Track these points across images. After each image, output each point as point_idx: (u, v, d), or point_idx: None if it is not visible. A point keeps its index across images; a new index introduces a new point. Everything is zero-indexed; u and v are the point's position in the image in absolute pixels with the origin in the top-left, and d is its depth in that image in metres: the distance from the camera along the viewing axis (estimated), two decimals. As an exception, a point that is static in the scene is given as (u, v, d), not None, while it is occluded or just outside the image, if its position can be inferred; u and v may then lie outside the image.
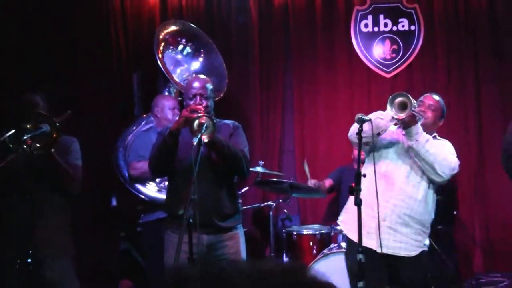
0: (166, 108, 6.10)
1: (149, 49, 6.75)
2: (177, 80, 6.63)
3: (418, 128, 4.51)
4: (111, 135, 6.78)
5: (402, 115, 4.40)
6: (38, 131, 4.15)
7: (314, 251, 6.41)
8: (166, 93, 6.70)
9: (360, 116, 4.41)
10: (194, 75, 6.03)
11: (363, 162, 4.86)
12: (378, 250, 4.54)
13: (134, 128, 6.58)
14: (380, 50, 7.66)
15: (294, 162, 7.76)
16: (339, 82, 7.73)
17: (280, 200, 6.87)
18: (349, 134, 4.76)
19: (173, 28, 6.93)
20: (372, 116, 4.49)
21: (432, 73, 7.60)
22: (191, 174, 4.04)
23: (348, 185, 4.39)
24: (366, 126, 4.41)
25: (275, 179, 6.77)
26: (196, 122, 4.30)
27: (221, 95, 6.76)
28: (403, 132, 4.63)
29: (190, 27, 7.06)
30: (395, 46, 7.61)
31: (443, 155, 4.60)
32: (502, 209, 7.26)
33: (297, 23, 7.81)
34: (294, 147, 7.79)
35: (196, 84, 4.70)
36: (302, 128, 7.76)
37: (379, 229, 4.49)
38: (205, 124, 4.25)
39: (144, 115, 6.67)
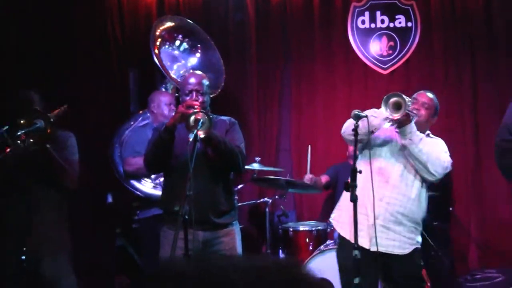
0: (163, 104, 6.10)
1: (145, 45, 6.74)
2: (174, 76, 6.62)
3: (412, 127, 4.50)
4: (107, 131, 6.77)
5: (397, 116, 4.39)
6: (33, 127, 4.15)
7: (311, 248, 6.42)
8: (163, 89, 6.69)
9: (357, 112, 4.41)
10: (190, 71, 6.04)
11: (360, 172, 4.84)
12: (372, 249, 4.54)
13: (131, 124, 6.57)
14: (377, 47, 7.65)
15: (290, 160, 7.76)
16: (336, 79, 7.73)
17: (276, 197, 6.87)
18: (342, 131, 4.76)
19: (169, 24, 6.92)
20: (362, 121, 4.46)
21: (429, 70, 7.60)
22: (187, 170, 4.04)
23: (344, 182, 4.38)
24: (359, 124, 4.41)
25: (271, 177, 6.77)
26: (192, 118, 4.29)
27: (218, 92, 6.75)
28: (397, 130, 4.62)
29: (186, 23, 7.05)
30: (392, 43, 7.61)
31: (436, 154, 4.59)
32: (498, 206, 7.26)
33: (294, 19, 7.80)
34: (291, 145, 7.79)
35: (192, 80, 4.69)
36: (299, 126, 7.76)
37: (374, 228, 4.49)
38: (201, 120, 4.24)
39: (141, 111, 6.66)
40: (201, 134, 4.22)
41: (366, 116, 4.40)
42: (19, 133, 4.08)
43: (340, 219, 4.79)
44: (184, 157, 4.27)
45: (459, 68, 7.51)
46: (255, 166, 6.69)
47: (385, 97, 4.42)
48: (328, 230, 6.51)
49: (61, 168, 4.50)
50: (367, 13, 7.67)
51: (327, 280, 5.69)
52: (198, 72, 5.04)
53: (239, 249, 4.80)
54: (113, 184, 6.63)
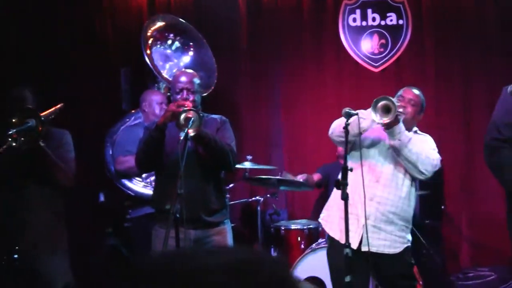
0: (154, 102, 6.09)
1: (137, 44, 6.72)
2: (166, 76, 6.61)
3: (400, 127, 4.46)
4: (99, 130, 6.75)
5: (387, 120, 4.36)
6: (24, 126, 4.13)
7: (302, 246, 6.41)
8: (156, 89, 6.68)
9: (348, 110, 4.39)
10: (182, 70, 6.03)
11: (351, 170, 4.82)
12: (363, 249, 4.53)
13: (123, 123, 6.56)
14: (368, 45, 7.65)
15: (282, 158, 7.76)
16: (327, 77, 7.73)
17: (268, 195, 6.87)
18: (329, 132, 4.73)
19: (160, 23, 6.91)
20: (352, 119, 4.41)
21: (420, 67, 7.61)
22: (178, 169, 4.04)
23: (335, 180, 4.37)
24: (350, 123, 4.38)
25: (263, 176, 6.75)
26: (182, 116, 4.29)
27: (211, 90, 6.75)
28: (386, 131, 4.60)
29: (178, 21, 7.04)
30: (383, 41, 7.61)
31: (426, 153, 4.58)
32: (489, 204, 7.25)
33: (285, 17, 7.80)
34: (282, 142, 7.78)
35: (183, 79, 4.69)
36: (290, 123, 7.76)
37: (366, 228, 4.49)
38: (192, 118, 4.24)
39: (133, 111, 6.65)
40: (191, 132, 4.22)
41: (357, 114, 4.39)
42: (10, 132, 4.06)
43: (329, 219, 4.79)
44: (175, 155, 4.27)
45: (451, 66, 7.52)
46: (247, 164, 6.68)
47: (373, 101, 4.38)
48: (320, 228, 6.48)
49: (56, 166, 4.49)
50: (358, 11, 7.67)
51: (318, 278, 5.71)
52: (189, 70, 5.05)
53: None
54: (105, 183, 6.62)
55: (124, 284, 1.28)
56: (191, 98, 4.57)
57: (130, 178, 6.11)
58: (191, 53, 7.01)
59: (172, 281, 1.19)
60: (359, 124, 4.40)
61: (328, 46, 7.76)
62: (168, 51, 6.95)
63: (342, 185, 4.18)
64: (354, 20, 7.68)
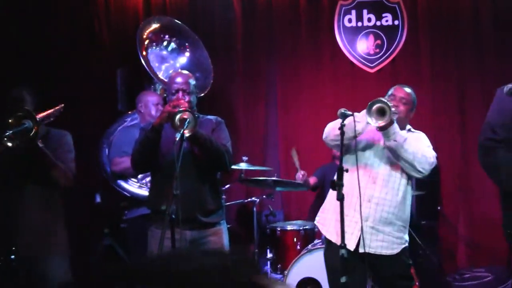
0: (150, 103, 6.09)
1: (133, 45, 6.72)
2: (162, 78, 6.62)
3: (394, 128, 4.44)
4: (95, 131, 6.75)
5: (383, 122, 4.34)
6: (21, 127, 4.12)
7: (298, 247, 6.42)
8: (152, 90, 6.68)
9: (343, 111, 4.37)
10: (178, 71, 6.04)
11: (347, 171, 4.82)
12: (360, 250, 4.52)
13: (119, 124, 6.56)
14: (364, 45, 7.67)
15: (278, 158, 7.76)
16: (323, 77, 7.74)
17: (264, 196, 6.88)
18: (324, 136, 4.71)
19: (155, 25, 6.90)
20: (348, 120, 4.40)
21: (416, 68, 7.62)
22: (173, 170, 4.03)
23: (330, 181, 4.36)
24: (337, 131, 4.37)
25: (259, 178, 6.75)
26: (178, 117, 4.28)
27: (206, 91, 6.76)
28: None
29: (173, 22, 7.04)
30: (378, 41, 7.62)
31: (422, 151, 4.56)
32: (486, 204, 7.26)
33: (280, 18, 7.81)
34: (278, 143, 7.79)
35: (178, 80, 4.68)
36: (286, 124, 7.77)
37: (362, 230, 4.48)
38: (188, 119, 4.23)
39: (130, 112, 6.65)
40: (187, 133, 4.21)
41: (352, 114, 4.38)
42: (7, 133, 4.06)
43: (325, 221, 4.77)
44: (171, 156, 4.27)
45: (446, 66, 7.54)
46: (243, 165, 6.69)
47: (368, 105, 4.36)
48: (316, 229, 6.49)
49: (55, 167, 4.47)
50: (353, 12, 7.69)
51: None
52: (185, 71, 5.04)
53: (226, 248, 4.78)
54: (101, 184, 6.61)
55: (120, 284, 1.28)
56: (186, 99, 4.57)
57: (126, 179, 6.11)
58: (187, 53, 7.02)
59: (168, 281, 1.19)
60: (354, 127, 4.39)
61: (323, 47, 7.77)
62: (164, 52, 6.95)
63: (337, 185, 4.17)
64: (350, 20, 7.69)
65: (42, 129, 4.50)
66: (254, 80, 7.85)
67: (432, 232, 7.39)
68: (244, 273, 1.21)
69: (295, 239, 6.50)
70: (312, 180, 7.03)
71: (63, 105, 4.68)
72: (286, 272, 6.03)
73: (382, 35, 7.62)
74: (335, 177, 4.23)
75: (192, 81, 4.73)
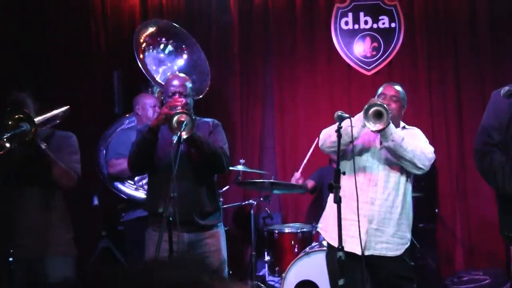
0: (147, 106, 6.09)
1: (129, 47, 6.71)
2: (159, 80, 6.61)
3: (391, 128, 4.42)
4: (92, 134, 6.75)
5: (382, 125, 4.32)
6: (18, 130, 4.11)
7: (296, 250, 6.41)
8: (150, 93, 6.68)
9: (340, 113, 4.37)
10: (176, 73, 6.04)
11: (344, 173, 4.81)
12: (366, 253, 4.52)
13: (117, 127, 6.57)
14: (360, 48, 7.67)
15: (274, 160, 7.77)
16: (319, 80, 7.74)
17: (261, 199, 6.87)
18: (320, 144, 4.71)
19: (151, 29, 6.90)
20: (343, 125, 4.36)
21: (413, 70, 7.63)
22: (171, 172, 4.02)
23: (328, 183, 4.36)
24: (334, 137, 4.37)
25: (255, 180, 6.74)
26: (175, 119, 4.27)
27: (203, 94, 6.76)
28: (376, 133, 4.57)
29: (169, 25, 7.04)
30: (375, 44, 7.62)
31: (420, 148, 4.56)
32: (483, 207, 7.25)
33: (277, 20, 7.82)
34: (275, 145, 7.79)
35: (175, 82, 4.68)
36: (282, 126, 7.77)
37: (359, 233, 4.48)
38: (185, 121, 4.23)
39: (128, 114, 6.65)
40: (184, 135, 4.21)
41: (349, 117, 4.37)
42: (5, 136, 4.05)
43: (328, 228, 4.75)
44: (168, 158, 4.27)
45: (443, 68, 7.55)
46: (240, 167, 6.69)
47: (364, 109, 4.35)
48: (314, 232, 6.50)
49: (57, 168, 4.46)
50: (350, 14, 7.69)
51: None
52: (182, 74, 5.05)
53: (224, 250, 4.79)
54: (98, 186, 6.61)
55: None
56: (183, 102, 4.56)
57: (122, 181, 6.10)
58: (185, 56, 7.02)
59: None
60: (351, 132, 4.38)
61: (320, 50, 7.77)
62: (162, 55, 6.96)
63: (334, 188, 4.17)
64: (347, 23, 7.69)
65: (46, 131, 4.51)
66: (251, 83, 7.85)
67: (430, 235, 7.39)
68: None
69: (292, 242, 6.49)
70: (310, 183, 7.02)
71: (68, 106, 4.69)
72: (283, 274, 6.02)
73: (379, 38, 7.63)
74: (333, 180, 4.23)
75: (189, 84, 4.73)
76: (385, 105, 4.34)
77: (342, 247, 4.16)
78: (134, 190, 6.10)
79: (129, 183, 6.10)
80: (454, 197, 7.47)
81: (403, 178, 4.64)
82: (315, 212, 7.18)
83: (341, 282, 4.11)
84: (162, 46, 6.95)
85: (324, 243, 6.04)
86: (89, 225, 7.05)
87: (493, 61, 7.41)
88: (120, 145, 5.88)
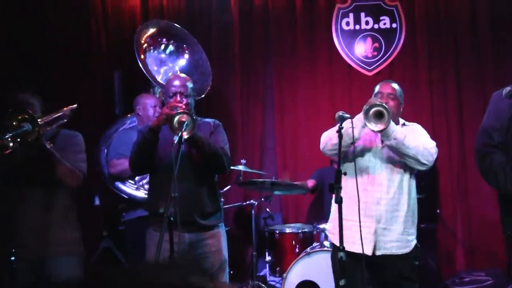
0: (148, 106, 6.09)
1: (130, 47, 6.71)
2: (160, 81, 6.61)
3: (392, 127, 4.43)
4: (92, 135, 6.75)
5: (383, 125, 4.32)
6: (20, 130, 4.11)
7: (297, 250, 6.41)
8: (151, 93, 6.68)
9: (341, 113, 4.37)
10: (177, 73, 6.05)
11: (345, 174, 4.81)
12: (377, 253, 4.54)
13: (118, 127, 6.57)
14: (361, 48, 7.67)
15: (275, 160, 7.77)
16: (320, 80, 7.74)
17: (262, 199, 6.87)
18: (321, 147, 4.70)
19: (152, 30, 6.90)
20: (344, 126, 4.37)
21: (414, 70, 7.63)
22: (172, 172, 4.01)
23: (328, 184, 4.36)
24: (335, 140, 4.37)
25: (256, 180, 6.75)
26: (176, 119, 4.27)
27: (204, 94, 6.76)
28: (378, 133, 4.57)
29: (169, 25, 7.05)
30: (376, 44, 7.62)
31: (422, 143, 4.55)
32: (484, 207, 7.25)
33: (277, 21, 7.83)
34: (275, 145, 7.79)
35: (176, 83, 4.67)
36: (282, 126, 7.77)
37: (371, 233, 4.49)
38: (186, 122, 4.22)
39: (129, 115, 6.66)
40: (185, 135, 4.20)
41: (350, 117, 4.37)
42: (6, 136, 4.05)
43: (335, 230, 4.74)
44: (169, 159, 4.25)
45: (444, 68, 7.55)
46: (241, 167, 6.70)
47: (364, 110, 4.35)
48: (315, 232, 6.50)
49: (62, 167, 4.45)
50: (351, 15, 7.69)
51: None
52: (182, 75, 5.05)
53: (225, 251, 4.78)
54: (100, 186, 6.61)
55: None
56: (184, 102, 4.56)
57: (123, 181, 6.10)
58: (186, 55, 7.02)
59: None
60: (349, 134, 4.38)
61: (321, 50, 7.77)
62: (163, 55, 6.96)
63: (335, 188, 4.17)
64: (348, 23, 7.69)
65: (51, 130, 4.51)
66: (251, 83, 7.85)
67: (431, 236, 7.38)
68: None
69: (293, 242, 6.49)
70: (310, 182, 7.03)
71: (76, 105, 4.69)
72: (284, 275, 6.02)
73: (380, 38, 7.63)
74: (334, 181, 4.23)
75: (190, 84, 4.72)
76: (385, 105, 4.34)
77: (343, 248, 4.16)
78: (135, 189, 6.10)
79: (130, 182, 6.10)
80: (455, 197, 7.47)
81: (406, 176, 4.64)
82: (316, 213, 7.19)
83: (342, 282, 4.11)
84: (163, 46, 6.95)
85: (325, 243, 6.07)
86: (91, 225, 7.05)
87: (494, 61, 7.41)
88: (121, 145, 5.88)
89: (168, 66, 6.95)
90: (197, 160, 4.60)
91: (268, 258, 6.56)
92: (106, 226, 6.99)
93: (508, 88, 4.01)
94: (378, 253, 4.54)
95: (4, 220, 4.47)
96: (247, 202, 6.98)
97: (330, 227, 4.89)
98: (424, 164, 4.54)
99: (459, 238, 7.43)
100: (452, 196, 7.47)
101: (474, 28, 7.52)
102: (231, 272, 5.47)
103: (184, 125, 4.20)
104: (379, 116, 4.31)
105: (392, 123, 4.40)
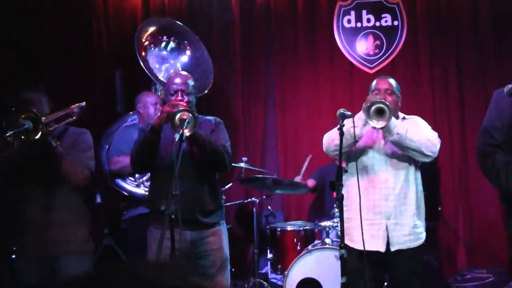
0: (149, 104, 6.10)
1: (131, 47, 6.71)
2: (162, 79, 6.61)
3: (394, 122, 4.45)
4: (94, 134, 6.75)
5: (385, 122, 4.32)
6: (21, 128, 4.10)
7: (298, 247, 6.40)
8: (153, 91, 6.68)
9: (342, 111, 4.37)
10: (178, 71, 6.04)
11: (346, 171, 4.82)
12: (392, 249, 4.56)
13: (119, 124, 6.58)
14: (363, 46, 7.66)
15: (276, 159, 7.76)
16: (322, 78, 7.74)
17: (264, 197, 6.87)
18: (324, 149, 4.73)
19: (152, 28, 6.89)
20: (346, 126, 4.36)
21: (415, 68, 7.61)
22: (173, 170, 4.01)
23: (330, 181, 4.36)
24: (337, 140, 4.37)
25: (258, 176, 6.75)
26: (177, 117, 4.26)
27: (206, 91, 6.76)
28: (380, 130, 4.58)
29: (170, 23, 7.05)
30: (378, 42, 7.62)
31: (425, 136, 4.57)
32: (486, 205, 7.25)
33: (279, 19, 7.82)
34: (277, 144, 7.79)
35: (177, 80, 4.67)
36: (284, 125, 7.77)
37: (362, 226, 4.49)
38: (187, 119, 4.22)
39: (131, 112, 6.66)
40: (186, 133, 4.20)
41: (351, 115, 4.37)
42: (6, 134, 4.04)
43: (348, 231, 4.73)
44: (170, 157, 4.25)
45: (446, 66, 7.53)
46: (242, 165, 6.70)
47: (365, 109, 4.35)
48: (316, 230, 6.50)
49: (68, 165, 4.44)
50: (353, 12, 7.68)
51: None
52: (184, 72, 5.05)
53: (226, 249, 4.78)
54: (101, 184, 6.61)
55: None
56: (185, 99, 4.56)
57: (123, 178, 6.11)
58: (188, 52, 7.02)
59: None
60: (352, 134, 4.38)
61: (323, 48, 7.76)
62: (164, 52, 6.96)
63: (337, 186, 4.17)
64: (349, 21, 7.69)
65: (59, 128, 4.50)
66: (253, 82, 7.85)
67: (432, 233, 7.38)
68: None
69: (295, 240, 6.49)
70: (311, 182, 7.03)
71: (84, 103, 4.69)
72: (286, 272, 6.02)
73: (382, 36, 7.62)
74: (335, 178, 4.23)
75: (191, 82, 4.72)
76: (385, 102, 4.35)
77: (345, 245, 4.17)
78: (135, 186, 6.10)
79: (130, 179, 6.11)
80: (456, 195, 7.45)
81: (411, 169, 4.66)
82: (317, 211, 7.18)
83: (343, 280, 4.11)
84: (163, 43, 6.95)
85: (327, 240, 6.06)
86: (92, 223, 7.06)
87: (495, 58, 7.40)
88: (122, 142, 5.89)
89: (170, 64, 6.95)
90: (198, 158, 4.60)
91: (269, 255, 6.55)
92: (107, 224, 6.99)
93: (509, 86, 4.01)
94: (392, 249, 4.58)
95: (8, 219, 4.47)
96: (249, 200, 6.97)
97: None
98: (429, 155, 4.56)
99: (460, 236, 7.42)
100: (454, 194, 7.46)
101: (475, 26, 7.51)
102: (233, 269, 5.48)
103: (185, 122, 4.20)
104: (380, 113, 4.32)
105: (393, 118, 4.41)
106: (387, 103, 4.33)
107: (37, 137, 4.11)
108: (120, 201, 6.35)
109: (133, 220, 5.96)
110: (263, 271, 6.92)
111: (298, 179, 6.83)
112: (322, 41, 7.76)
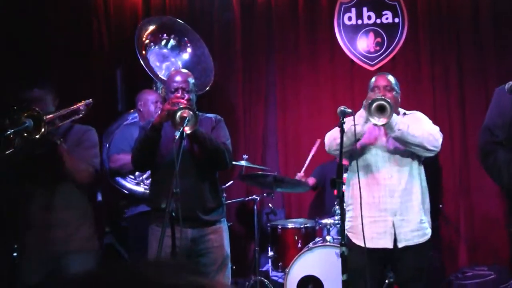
0: (149, 102, 6.10)
1: (132, 46, 6.70)
2: (162, 77, 6.61)
3: (395, 118, 4.44)
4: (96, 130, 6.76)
5: (386, 119, 4.32)
6: (21, 127, 4.10)
7: (299, 245, 6.40)
8: (154, 89, 6.68)
9: (343, 108, 4.36)
10: (179, 68, 6.04)
11: (346, 169, 4.82)
12: (400, 245, 4.56)
13: (120, 123, 6.58)
14: (364, 43, 7.66)
15: (277, 157, 7.76)
16: (322, 76, 7.73)
17: (265, 194, 6.87)
18: (326, 148, 4.75)
19: (152, 27, 6.89)
20: (346, 126, 4.37)
21: (416, 65, 7.61)
22: (173, 168, 4.01)
23: (330, 179, 4.36)
24: (339, 139, 4.37)
25: (259, 173, 6.76)
26: (178, 115, 4.26)
27: (207, 89, 6.76)
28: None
29: (171, 21, 7.05)
30: (379, 39, 7.61)
31: (427, 130, 4.57)
32: (487, 203, 7.25)
33: (279, 17, 7.81)
34: (277, 142, 7.78)
35: (178, 78, 4.67)
36: (284, 123, 7.76)
37: (390, 226, 4.51)
38: (187, 117, 4.22)
39: (132, 110, 6.66)
40: (187, 131, 4.20)
41: (352, 112, 4.37)
42: (8, 132, 4.04)
43: (353, 229, 4.74)
44: (170, 155, 4.24)
45: (446, 63, 7.53)
46: (243, 163, 6.70)
47: (367, 106, 4.35)
48: (317, 227, 6.50)
49: (74, 163, 4.44)
50: (353, 9, 7.68)
51: None
52: (184, 70, 5.05)
53: (227, 246, 4.78)
54: (102, 182, 6.61)
55: None
56: (186, 97, 4.56)
57: (124, 176, 6.11)
58: (189, 49, 7.02)
59: None
60: (353, 132, 4.38)
61: (323, 45, 7.76)
62: (165, 50, 6.96)
63: (337, 183, 4.17)
64: (350, 18, 7.68)
65: (64, 125, 4.51)
66: (253, 80, 7.85)
67: (433, 231, 7.36)
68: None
69: (296, 237, 6.48)
70: (311, 180, 7.02)
71: (91, 100, 4.69)
72: (287, 270, 6.02)
73: (382, 33, 7.62)
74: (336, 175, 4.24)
75: (191, 80, 4.72)
76: (386, 99, 4.35)
77: (346, 243, 4.17)
78: (135, 184, 6.10)
79: (130, 177, 6.11)
80: (457, 193, 7.45)
81: (415, 164, 4.66)
82: (318, 208, 7.18)
83: (344, 277, 4.11)
84: (164, 41, 6.95)
85: (328, 238, 6.06)
86: (94, 221, 7.07)
87: (496, 56, 7.40)
88: (122, 140, 5.90)
89: (171, 61, 6.95)
90: (198, 156, 4.60)
91: (270, 253, 6.55)
92: (108, 222, 7.00)
93: (510, 83, 4.01)
94: (400, 245, 4.58)
95: (9, 219, 4.47)
96: (249, 197, 6.98)
97: (348, 226, 4.85)
98: (431, 150, 4.56)
99: (461, 234, 7.42)
100: (455, 191, 7.46)
101: (476, 24, 7.51)
102: (234, 267, 5.47)
103: (186, 120, 4.20)
104: (381, 110, 4.33)
105: (394, 115, 4.41)
106: (388, 100, 4.33)
107: (38, 135, 4.11)
108: (120, 200, 6.35)
109: (134, 218, 5.97)
110: (264, 268, 6.92)
111: (299, 176, 6.82)
112: (323, 39, 7.75)
